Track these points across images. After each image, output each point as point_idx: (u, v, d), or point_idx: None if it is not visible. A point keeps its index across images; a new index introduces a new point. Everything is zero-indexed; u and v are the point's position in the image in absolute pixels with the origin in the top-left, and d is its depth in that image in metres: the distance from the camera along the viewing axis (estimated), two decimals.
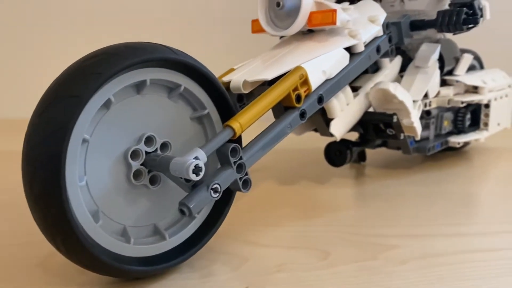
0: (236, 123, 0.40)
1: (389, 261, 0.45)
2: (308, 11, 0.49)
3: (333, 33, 0.52)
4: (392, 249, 0.47)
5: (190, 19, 1.24)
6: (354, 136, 0.67)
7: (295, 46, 0.51)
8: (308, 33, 0.53)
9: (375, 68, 0.62)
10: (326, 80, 0.49)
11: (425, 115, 0.71)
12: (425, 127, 0.71)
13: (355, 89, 0.59)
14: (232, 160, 0.40)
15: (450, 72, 0.73)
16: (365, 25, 0.55)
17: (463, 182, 0.68)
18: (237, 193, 0.45)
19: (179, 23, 1.23)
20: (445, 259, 0.45)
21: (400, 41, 0.59)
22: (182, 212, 0.37)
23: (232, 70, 0.52)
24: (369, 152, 0.76)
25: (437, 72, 0.64)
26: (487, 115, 0.78)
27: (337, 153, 0.61)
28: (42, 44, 1.26)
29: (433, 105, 0.70)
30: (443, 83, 0.72)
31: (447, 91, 0.71)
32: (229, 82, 0.47)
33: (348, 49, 0.53)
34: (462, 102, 0.72)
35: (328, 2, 0.51)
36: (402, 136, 0.59)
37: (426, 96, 0.63)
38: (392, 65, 0.62)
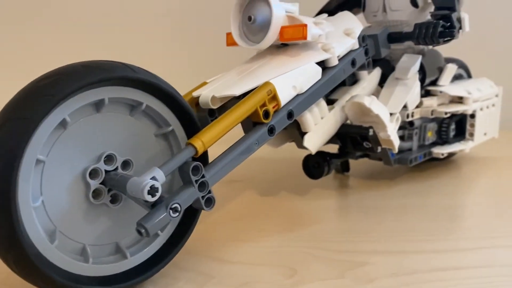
0: (198, 141, 0.39)
1: (357, 280, 0.44)
2: (279, 26, 0.49)
3: (306, 47, 0.51)
4: (361, 266, 0.46)
5: (169, 32, 1.21)
6: (335, 148, 0.67)
7: (268, 60, 0.50)
8: (282, 46, 0.52)
9: (353, 80, 0.61)
10: (297, 95, 0.48)
11: (408, 125, 0.70)
12: (408, 137, 0.70)
13: (332, 102, 0.59)
14: (193, 178, 0.39)
15: (434, 82, 0.72)
16: (340, 38, 0.54)
17: (447, 194, 0.67)
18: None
19: (160, 34, 1.21)
20: (415, 277, 0.44)
21: (377, 53, 0.58)
22: (139, 232, 0.37)
23: (204, 83, 0.52)
24: (354, 161, 0.75)
25: (417, 83, 0.63)
26: (472, 125, 0.77)
27: (315, 165, 0.60)
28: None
29: (416, 116, 0.69)
30: (427, 93, 0.71)
31: (431, 102, 0.70)
32: (198, 97, 0.47)
33: (322, 62, 0.52)
34: (446, 113, 0.71)
35: (300, 16, 0.50)
36: (379, 149, 0.58)
37: (405, 107, 0.62)
38: (370, 77, 0.61)
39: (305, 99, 0.49)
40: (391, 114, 0.60)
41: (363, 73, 0.61)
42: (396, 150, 0.60)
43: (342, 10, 0.72)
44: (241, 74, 0.49)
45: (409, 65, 0.63)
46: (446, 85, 0.72)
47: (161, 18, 1.20)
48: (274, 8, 0.48)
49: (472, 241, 0.52)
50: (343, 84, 0.60)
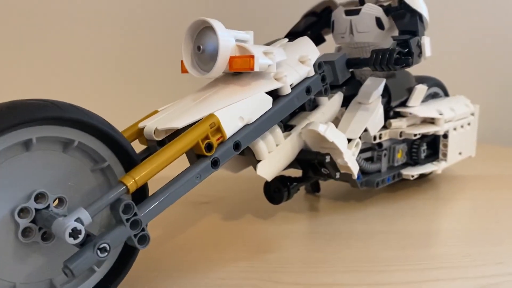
0: (129, 179, 0.39)
1: None
2: (228, 56, 0.48)
3: (258, 76, 0.50)
4: None
5: (125, 59, 1.17)
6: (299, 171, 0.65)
7: (219, 89, 0.49)
8: (236, 74, 0.51)
9: (313, 105, 0.60)
10: (245, 126, 0.47)
11: (377, 147, 0.69)
12: (377, 159, 0.69)
13: (291, 127, 0.58)
14: (124, 217, 0.38)
15: (404, 103, 0.70)
16: (294, 66, 0.53)
17: (419, 218, 0.65)
18: (170, 230, 0.43)
19: (115, 62, 1.17)
20: None
21: (335, 79, 0.57)
22: (65, 273, 0.36)
23: (155, 112, 0.51)
24: (325, 181, 0.74)
25: (379, 107, 0.61)
26: (445, 146, 0.75)
27: (275, 190, 0.59)
28: None
29: (385, 137, 0.68)
30: (397, 114, 0.70)
31: (400, 123, 0.69)
32: (144, 128, 0.46)
33: (275, 91, 0.51)
34: (415, 135, 0.70)
35: (251, 45, 0.49)
36: (337, 175, 0.57)
37: (366, 132, 0.60)
38: (331, 102, 0.60)
39: (254, 129, 0.48)
40: (350, 139, 0.58)
41: (324, 98, 0.60)
42: (355, 176, 0.58)
43: (312, 30, 0.71)
44: (189, 105, 0.48)
45: (372, 90, 0.62)
46: (417, 105, 0.71)
47: (115, 43, 1.16)
48: (221, 39, 0.47)
49: (445, 271, 0.50)
50: (303, 109, 0.59)
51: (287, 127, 0.57)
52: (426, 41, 0.59)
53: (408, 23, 0.62)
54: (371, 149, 0.69)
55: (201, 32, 0.49)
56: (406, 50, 0.56)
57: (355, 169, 0.57)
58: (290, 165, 0.59)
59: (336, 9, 0.69)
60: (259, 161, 0.53)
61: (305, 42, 0.57)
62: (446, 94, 0.84)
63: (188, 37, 0.50)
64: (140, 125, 0.47)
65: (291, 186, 0.59)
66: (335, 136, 0.54)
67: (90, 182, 0.41)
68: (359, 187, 0.66)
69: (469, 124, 0.79)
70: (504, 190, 0.78)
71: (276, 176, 0.58)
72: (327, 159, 0.55)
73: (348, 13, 0.67)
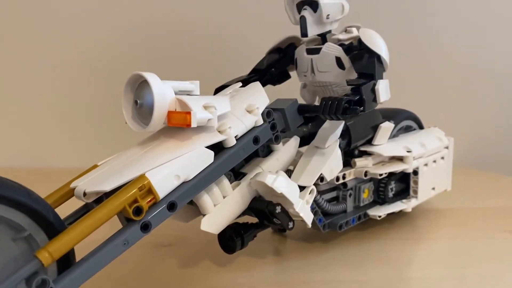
0: (44, 253, 0.36)
1: None
2: (165, 111, 0.45)
3: (200, 129, 0.47)
4: None
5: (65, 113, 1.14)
6: None
7: (157, 144, 0.47)
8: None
9: (268, 150, 0.57)
10: (183, 183, 0.45)
11: (342, 187, 0.66)
12: (343, 199, 0.66)
13: (244, 175, 0.55)
14: None
15: (370, 141, 0.68)
16: (240, 117, 0.51)
17: (390, 263, 0.62)
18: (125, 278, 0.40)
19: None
20: None
21: (287, 127, 0.55)
22: None
23: (95, 167, 0.49)
24: None
25: (336, 151, 0.58)
26: (416, 183, 0.72)
27: (229, 239, 0.57)
28: None
29: (350, 177, 0.65)
30: (363, 152, 0.67)
31: (365, 162, 0.66)
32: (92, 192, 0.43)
33: (220, 142, 0.49)
34: (381, 174, 0.67)
35: (191, 98, 0.47)
36: (290, 225, 0.54)
37: (315, 185, 0.58)
38: (285, 148, 0.57)
39: (192, 187, 0.46)
40: (304, 187, 0.56)
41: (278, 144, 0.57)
42: (309, 226, 0.55)
43: (275, 67, 0.69)
44: (126, 161, 0.46)
45: (328, 133, 0.59)
46: (383, 143, 0.68)
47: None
48: (156, 94, 0.44)
49: None
50: (256, 155, 0.57)
51: (239, 175, 0.55)
52: (382, 86, 0.57)
53: (365, 65, 0.59)
54: (336, 189, 0.67)
55: (140, 85, 0.47)
56: (358, 97, 0.54)
57: (308, 219, 0.54)
58: (245, 212, 0.56)
59: (299, 47, 0.67)
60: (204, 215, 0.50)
61: (254, 89, 0.55)
62: (421, 127, 0.80)
63: (127, 90, 0.48)
64: (72, 185, 0.45)
65: (245, 235, 0.56)
66: (284, 186, 0.52)
67: (12, 251, 0.39)
68: (321, 230, 0.63)
69: (442, 158, 0.76)
70: (483, 228, 0.74)
71: (231, 223, 0.56)
72: (278, 209, 0.52)
73: (309, 51, 0.65)
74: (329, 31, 0.64)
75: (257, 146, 0.51)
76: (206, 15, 1.09)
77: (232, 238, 0.55)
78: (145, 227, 0.42)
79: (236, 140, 0.50)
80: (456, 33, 1.13)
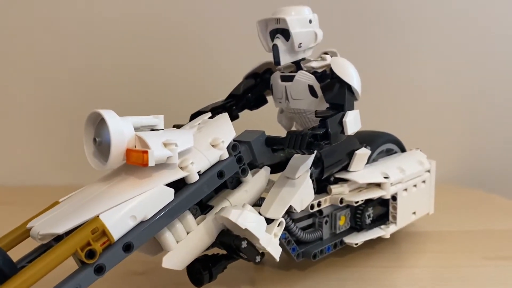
0: None
1: None
2: (123, 149, 0.44)
3: (161, 166, 0.47)
4: None
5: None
6: None
7: (116, 182, 0.46)
8: None
9: (237, 182, 0.56)
10: (141, 223, 0.44)
11: (318, 214, 0.65)
12: (319, 226, 0.65)
13: (211, 207, 0.54)
14: None
15: (346, 167, 0.66)
16: (204, 151, 0.50)
17: None
18: None
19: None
20: None
21: (254, 159, 0.54)
22: None
23: (56, 203, 0.48)
24: None
25: (307, 181, 0.57)
26: (395, 208, 0.70)
27: (197, 272, 0.55)
28: None
29: (326, 204, 0.64)
30: (339, 179, 0.66)
31: (341, 189, 0.65)
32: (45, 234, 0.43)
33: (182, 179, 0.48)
34: (356, 202, 0.65)
35: (150, 135, 0.46)
36: (257, 259, 0.53)
37: (289, 213, 0.56)
38: (255, 179, 0.56)
39: (150, 226, 0.45)
40: (272, 220, 0.55)
41: (248, 175, 0.56)
42: (277, 260, 0.54)
43: (251, 93, 0.68)
44: (83, 200, 0.45)
45: (299, 164, 0.58)
46: (360, 170, 0.67)
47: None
48: (112, 132, 0.44)
49: None
50: (225, 187, 0.56)
51: (206, 207, 0.54)
52: (350, 117, 0.55)
53: (335, 95, 0.58)
54: (313, 216, 0.65)
55: (100, 123, 0.46)
56: (323, 131, 0.53)
57: (276, 253, 0.53)
58: (214, 244, 0.55)
59: (274, 73, 0.66)
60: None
61: (221, 122, 0.54)
62: (403, 150, 0.79)
63: (88, 127, 0.47)
64: (28, 225, 0.44)
65: (213, 268, 0.55)
66: (249, 221, 0.50)
67: None
68: (295, 259, 0.62)
69: (424, 181, 0.75)
70: (471, 254, 0.72)
71: (199, 256, 0.55)
72: (244, 244, 0.51)
73: (283, 78, 0.64)
74: (303, 58, 0.63)
75: (222, 181, 0.50)
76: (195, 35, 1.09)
77: (200, 271, 0.54)
78: (99, 270, 0.41)
79: (199, 175, 0.49)
80: (439, 52, 1.12)
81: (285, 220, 0.60)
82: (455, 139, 1.13)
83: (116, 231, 0.42)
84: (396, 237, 0.77)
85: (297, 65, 0.63)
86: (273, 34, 0.61)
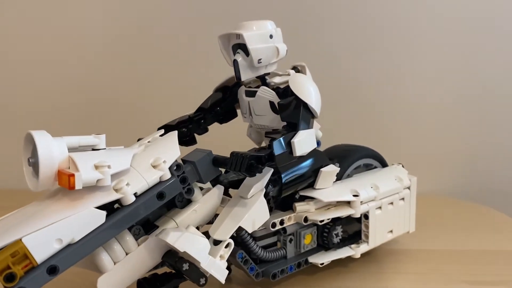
0: None
1: None
2: (53, 171, 0.44)
3: (93, 188, 0.46)
4: None
5: None
6: None
7: (49, 204, 0.45)
8: None
9: (187, 201, 0.55)
10: (68, 246, 0.44)
11: (282, 232, 0.63)
12: (283, 244, 0.63)
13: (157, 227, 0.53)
14: None
15: (312, 185, 0.63)
16: (143, 172, 0.48)
17: None
18: None
19: None
20: None
21: (200, 179, 0.52)
22: None
23: None
24: None
25: (260, 202, 0.55)
26: (367, 227, 0.67)
27: None
28: None
29: (290, 222, 0.62)
30: (306, 197, 0.63)
31: (307, 207, 0.62)
32: None
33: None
34: (321, 221, 0.62)
35: (81, 156, 0.45)
36: (202, 282, 0.51)
37: (238, 233, 0.54)
38: (205, 198, 0.55)
39: (78, 249, 0.44)
40: (220, 241, 0.53)
41: (197, 194, 0.55)
42: (223, 282, 0.52)
43: (220, 107, 0.66)
44: (13, 221, 0.44)
45: (253, 183, 0.55)
46: (327, 187, 0.64)
47: None
48: (41, 153, 0.43)
49: None
50: (174, 205, 0.54)
51: (153, 227, 0.53)
52: (301, 137, 0.53)
53: (290, 113, 0.56)
54: (278, 233, 0.63)
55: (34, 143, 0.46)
56: (269, 152, 0.50)
57: (220, 275, 0.51)
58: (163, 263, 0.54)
59: (240, 88, 0.64)
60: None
61: (168, 141, 0.52)
62: (384, 165, 0.75)
63: (25, 147, 0.46)
64: None
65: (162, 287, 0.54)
66: (189, 244, 0.49)
67: None
68: (254, 279, 0.60)
69: (403, 199, 0.71)
70: (447, 276, 0.68)
71: (149, 275, 0.54)
72: (185, 266, 0.50)
73: (248, 94, 0.62)
74: (269, 73, 0.61)
75: (162, 202, 0.49)
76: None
77: None
78: None
79: (136, 197, 0.48)
80: (430, 58, 1.06)
81: (246, 238, 0.58)
82: (455, 148, 1.07)
83: (39, 254, 0.42)
84: (375, 254, 0.74)
85: (262, 80, 0.61)
86: (235, 49, 0.59)
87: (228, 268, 0.64)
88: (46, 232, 0.42)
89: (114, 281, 0.48)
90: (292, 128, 0.54)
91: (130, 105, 1.09)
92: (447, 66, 1.04)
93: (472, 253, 0.76)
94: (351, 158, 0.70)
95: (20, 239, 0.41)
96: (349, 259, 0.67)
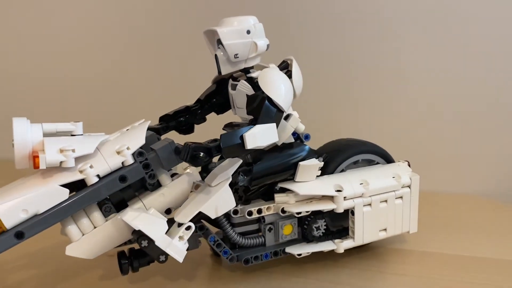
0: None
1: None
2: (26, 152, 0.51)
3: (61, 168, 0.52)
4: None
5: None
6: None
7: (26, 180, 0.53)
8: None
9: (158, 185, 0.59)
10: (34, 216, 0.51)
11: (262, 220, 0.65)
12: (263, 233, 0.65)
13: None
14: None
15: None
16: (107, 157, 0.54)
17: None
18: None
19: None
20: None
21: (162, 166, 0.56)
22: None
23: None
24: None
25: (224, 190, 0.57)
26: (353, 223, 0.66)
27: (121, 261, 0.60)
28: None
29: (269, 212, 0.64)
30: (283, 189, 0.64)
31: (285, 198, 0.64)
32: None
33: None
34: (298, 213, 0.63)
35: (49, 142, 0.51)
36: (162, 258, 0.56)
37: (199, 219, 0.57)
38: (173, 183, 0.58)
39: (42, 220, 0.51)
40: (180, 224, 0.56)
41: (166, 179, 0.59)
42: (180, 261, 0.56)
43: (216, 98, 0.69)
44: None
45: (218, 172, 0.58)
46: (309, 180, 0.64)
47: None
48: (15, 134, 0.50)
49: None
50: (146, 188, 0.59)
51: (126, 206, 0.58)
52: (254, 131, 0.53)
53: (253, 107, 0.57)
54: (259, 222, 0.65)
55: None
56: (217, 144, 0.52)
57: (178, 255, 0.55)
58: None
59: (229, 81, 0.66)
60: None
61: (137, 130, 0.57)
62: (389, 161, 0.72)
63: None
64: None
65: (134, 260, 0.59)
66: (144, 223, 0.53)
67: None
68: (228, 262, 0.63)
69: (401, 197, 0.68)
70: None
71: (127, 249, 0.60)
72: (144, 243, 0.54)
73: (232, 87, 0.64)
74: (252, 67, 0.63)
75: (124, 184, 0.54)
76: None
77: (119, 261, 0.59)
78: None
79: (100, 178, 0.53)
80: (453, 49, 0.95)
81: (222, 223, 0.62)
82: (495, 148, 0.97)
83: (8, 221, 0.49)
84: (373, 253, 0.72)
85: (246, 74, 0.63)
86: (217, 44, 0.62)
87: (216, 254, 0.69)
88: (15, 203, 0.50)
89: (82, 249, 0.55)
90: (253, 122, 0.56)
91: (138, 97, 1.15)
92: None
93: (486, 261, 0.70)
94: (346, 153, 0.69)
95: None
96: (345, 254, 0.67)
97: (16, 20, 1.24)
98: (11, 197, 0.50)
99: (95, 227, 0.56)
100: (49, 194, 0.51)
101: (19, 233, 0.50)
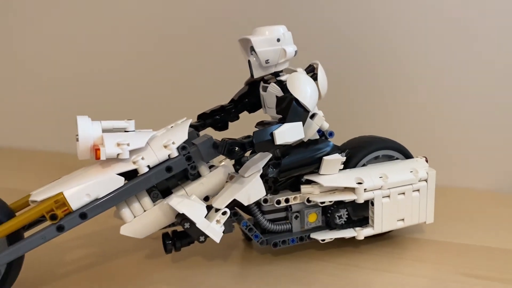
0: None
1: None
2: (88, 146, 0.60)
3: (117, 160, 0.61)
4: None
5: None
6: None
7: (88, 169, 0.62)
8: None
9: (198, 175, 0.67)
10: (95, 200, 0.60)
11: (290, 209, 0.72)
12: (290, 220, 0.72)
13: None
14: None
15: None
16: (156, 150, 0.62)
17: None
18: None
19: None
20: None
21: (202, 159, 0.64)
22: None
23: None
24: None
25: (255, 181, 0.64)
26: (373, 213, 0.72)
27: (165, 241, 0.68)
28: None
29: (296, 201, 0.71)
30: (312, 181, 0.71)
31: (311, 189, 0.71)
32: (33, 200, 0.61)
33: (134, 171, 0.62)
34: (322, 203, 0.70)
35: (109, 136, 0.60)
36: (201, 239, 0.64)
37: (233, 206, 0.65)
38: (211, 174, 0.66)
39: (102, 203, 0.59)
40: (218, 209, 0.64)
41: (204, 169, 0.67)
42: (217, 241, 0.64)
43: (248, 99, 0.77)
44: (64, 180, 0.62)
45: (250, 165, 0.66)
46: (332, 173, 0.71)
47: None
48: (80, 130, 0.59)
49: None
50: (187, 178, 0.67)
51: (171, 193, 0.66)
52: (283, 129, 0.61)
53: (282, 108, 0.64)
54: (287, 210, 0.73)
55: None
56: (250, 140, 0.60)
57: (215, 236, 0.63)
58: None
59: (260, 83, 0.74)
60: None
61: (181, 126, 0.65)
62: (408, 157, 0.78)
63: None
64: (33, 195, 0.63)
65: (177, 241, 0.68)
66: (187, 207, 0.61)
67: None
68: (258, 245, 0.70)
69: (418, 190, 0.74)
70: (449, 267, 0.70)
71: (171, 231, 0.69)
72: (186, 225, 0.63)
73: (263, 88, 0.72)
74: (281, 71, 0.70)
75: (170, 174, 0.62)
76: None
77: (164, 241, 0.68)
78: (59, 229, 0.58)
79: (150, 168, 0.62)
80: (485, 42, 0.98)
81: (253, 210, 0.70)
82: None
83: (74, 203, 0.58)
84: (392, 241, 0.78)
85: (276, 77, 0.70)
86: (251, 50, 0.69)
87: (248, 238, 0.77)
88: (80, 189, 0.59)
89: (133, 229, 0.63)
90: (281, 121, 0.63)
91: (177, 98, 1.22)
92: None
93: (498, 251, 0.75)
94: (367, 149, 0.75)
95: (62, 192, 0.58)
96: (365, 241, 0.74)
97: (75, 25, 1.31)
98: (76, 183, 0.59)
99: (144, 211, 0.64)
100: (108, 181, 0.60)
101: (83, 214, 0.59)
